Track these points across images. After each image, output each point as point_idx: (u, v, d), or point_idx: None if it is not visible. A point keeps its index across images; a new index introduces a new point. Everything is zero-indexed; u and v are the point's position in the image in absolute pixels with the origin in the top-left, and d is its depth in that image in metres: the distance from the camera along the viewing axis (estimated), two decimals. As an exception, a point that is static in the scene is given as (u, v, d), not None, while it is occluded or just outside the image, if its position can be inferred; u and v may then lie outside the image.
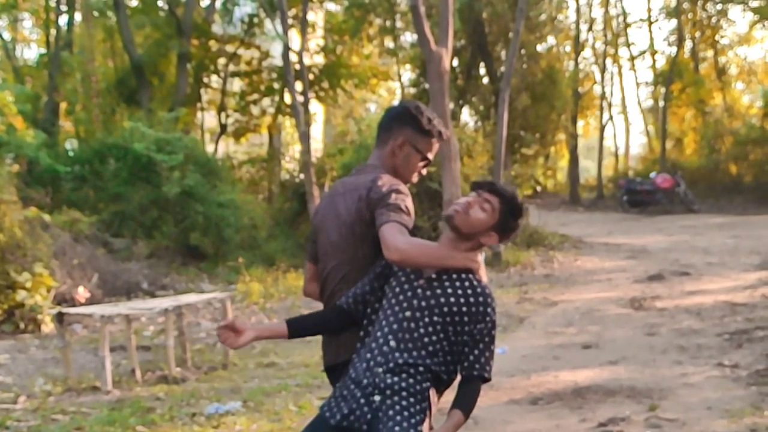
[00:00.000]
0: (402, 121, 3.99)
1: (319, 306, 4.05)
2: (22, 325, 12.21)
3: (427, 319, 3.56)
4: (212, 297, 11.27)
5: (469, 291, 3.61)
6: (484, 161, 20.84)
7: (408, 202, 3.79)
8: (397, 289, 3.66)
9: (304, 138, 20.02)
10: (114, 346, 10.25)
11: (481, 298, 3.60)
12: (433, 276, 3.62)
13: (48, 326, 12.17)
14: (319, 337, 4.04)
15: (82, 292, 13.81)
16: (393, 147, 3.98)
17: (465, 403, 3.58)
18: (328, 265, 3.98)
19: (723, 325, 11.54)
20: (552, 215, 27.54)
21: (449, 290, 3.60)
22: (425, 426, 3.54)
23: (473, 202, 3.66)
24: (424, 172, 4.13)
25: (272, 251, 19.20)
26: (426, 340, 3.55)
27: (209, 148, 28.62)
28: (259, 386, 8.68)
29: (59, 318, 9.33)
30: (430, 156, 4.05)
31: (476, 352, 3.59)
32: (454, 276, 3.63)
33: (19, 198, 14.25)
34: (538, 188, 36.26)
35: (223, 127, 30.37)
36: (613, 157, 46.91)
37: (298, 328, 3.82)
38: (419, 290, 3.61)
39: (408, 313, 3.58)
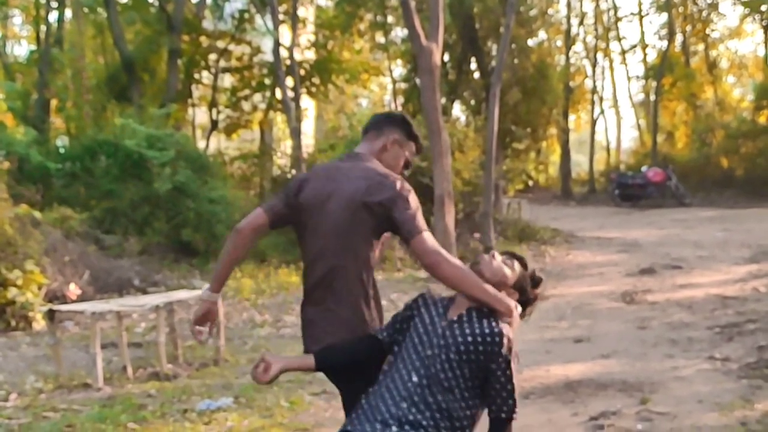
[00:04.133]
0: (394, 123, 4.38)
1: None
2: (13, 323, 12.17)
3: (443, 356, 3.73)
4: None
5: (487, 331, 3.74)
6: (476, 156, 20.81)
7: None
8: (421, 329, 3.87)
9: (296, 134, 20.03)
10: (105, 343, 10.21)
11: (497, 339, 3.72)
12: (455, 318, 3.82)
13: (39, 323, 12.15)
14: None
15: (73, 289, 13.76)
16: (386, 143, 4.30)
17: None
18: (319, 245, 4.08)
19: (714, 319, 11.57)
20: (543, 210, 27.64)
21: (467, 331, 3.76)
22: None
23: (496, 256, 4.00)
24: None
25: (263, 247, 19.14)
26: (442, 376, 3.70)
27: (200, 144, 28.55)
28: (251, 382, 8.58)
29: (50, 315, 9.31)
30: (410, 160, 4.40)
31: (504, 394, 3.74)
32: (475, 319, 3.80)
33: (10, 195, 14.20)
34: (530, 183, 36.22)
35: (214, 123, 30.31)
36: (604, 152, 47.02)
37: (325, 358, 3.98)
38: (440, 330, 3.81)
39: (429, 352, 3.77)
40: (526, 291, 4.04)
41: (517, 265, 4.03)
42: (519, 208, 23.41)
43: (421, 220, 3.92)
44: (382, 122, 4.38)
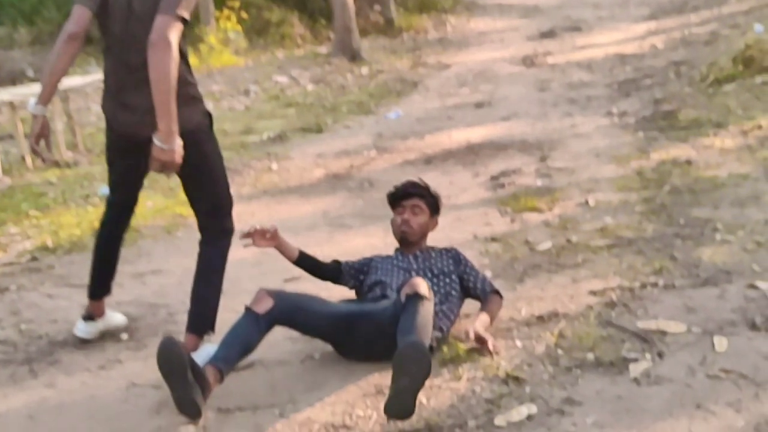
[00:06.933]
0: None
1: None
2: None
3: (429, 274, 4.29)
4: (99, 79, 10.92)
5: (444, 251, 4.50)
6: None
7: None
8: (394, 268, 4.35)
9: None
10: (1, 135, 9.98)
11: (454, 251, 4.52)
12: (417, 254, 4.45)
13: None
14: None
15: (-38, 84, 13.33)
16: None
17: (490, 308, 4.25)
18: (129, 35, 3.90)
19: (612, 76, 11.73)
20: (445, -21, 27.18)
21: (433, 255, 4.45)
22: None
23: (407, 216, 4.50)
24: None
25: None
26: (435, 289, 4.17)
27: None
28: (153, 165, 8.57)
29: (-62, 109, 9.02)
30: None
31: (479, 280, 4.38)
32: (430, 250, 4.50)
33: None
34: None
35: None
36: None
37: (303, 260, 4.42)
38: (414, 264, 4.38)
39: (413, 275, 4.23)
40: (435, 206, 4.61)
41: (417, 201, 4.53)
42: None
43: (184, 7, 3.61)
44: None
